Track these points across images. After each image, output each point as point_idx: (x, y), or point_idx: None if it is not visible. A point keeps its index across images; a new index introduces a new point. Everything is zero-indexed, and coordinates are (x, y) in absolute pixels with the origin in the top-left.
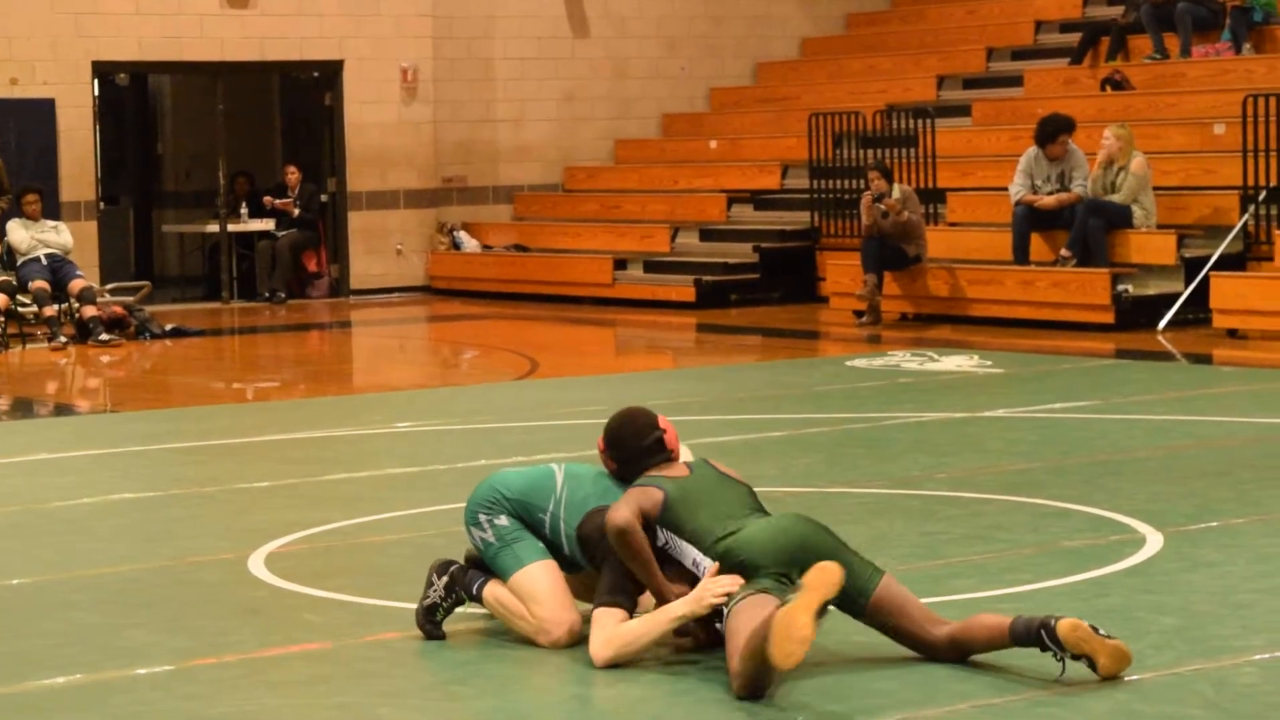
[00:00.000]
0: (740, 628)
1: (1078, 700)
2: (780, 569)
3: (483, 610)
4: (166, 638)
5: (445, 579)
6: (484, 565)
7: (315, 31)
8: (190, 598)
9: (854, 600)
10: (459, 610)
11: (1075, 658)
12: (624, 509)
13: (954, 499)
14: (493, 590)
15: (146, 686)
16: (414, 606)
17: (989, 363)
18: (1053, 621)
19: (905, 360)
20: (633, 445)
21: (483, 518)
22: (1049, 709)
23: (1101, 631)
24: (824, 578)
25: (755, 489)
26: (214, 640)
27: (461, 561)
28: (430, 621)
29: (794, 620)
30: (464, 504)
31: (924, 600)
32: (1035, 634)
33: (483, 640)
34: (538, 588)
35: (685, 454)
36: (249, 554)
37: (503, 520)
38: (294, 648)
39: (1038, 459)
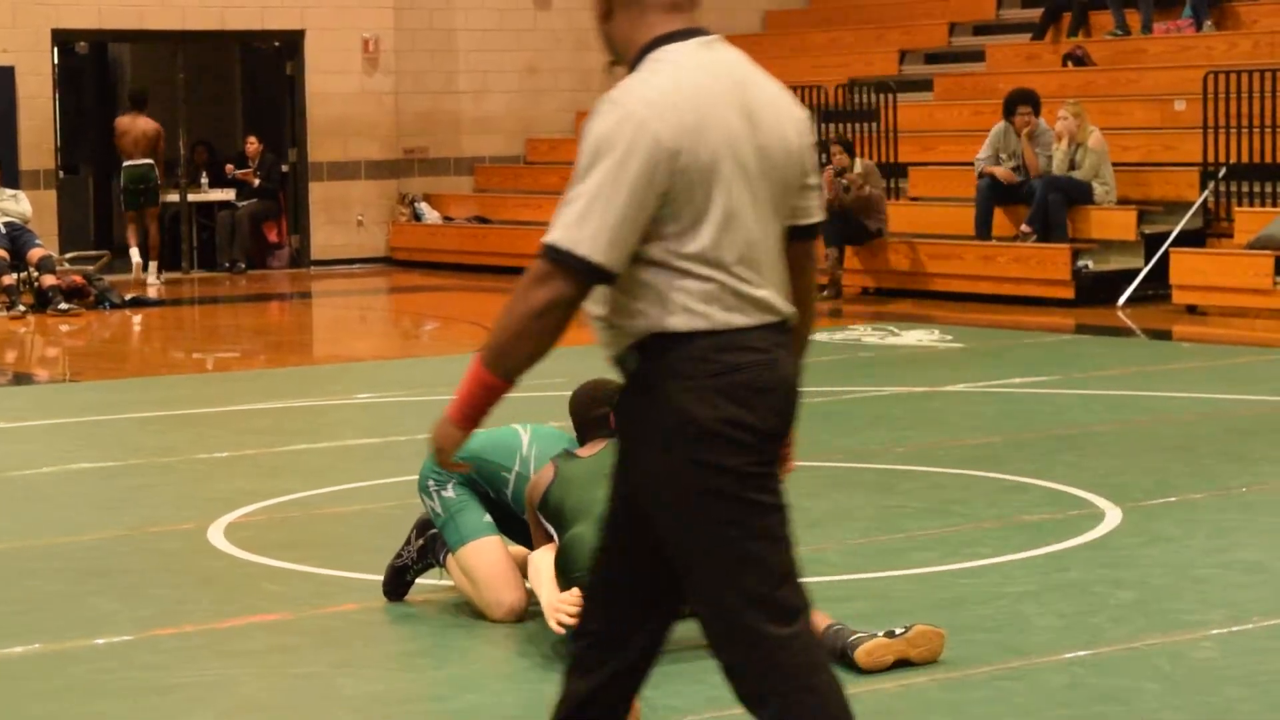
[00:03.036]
0: None
1: (1034, 674)
2: None
3: (449, 581)
4: (126, 607)
5: (421, 542)
6: None
7: (277, 1)
8: (150, 567)
9: None
10: (427, 580)
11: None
12: (530, 480)
13: (913, 473)
14: (452, 564)
15: (106, 656)
16: (374, 578)
17: (949, 337)
18: (850, 651)
19: (866, 334)
20: (578, 415)
21: (432, 486)
22: (1006, 682)
23: (898, 631)
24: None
25: None
26: (173, 610)
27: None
28: (398, 581)
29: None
30: None
31: (882, 574)
32: (838, 653)
33: (443, 611)
34: (478, 567)
35: None
36: (209, 524)
37: (449, 492)
38: (254, 618)
39: (997, 433)
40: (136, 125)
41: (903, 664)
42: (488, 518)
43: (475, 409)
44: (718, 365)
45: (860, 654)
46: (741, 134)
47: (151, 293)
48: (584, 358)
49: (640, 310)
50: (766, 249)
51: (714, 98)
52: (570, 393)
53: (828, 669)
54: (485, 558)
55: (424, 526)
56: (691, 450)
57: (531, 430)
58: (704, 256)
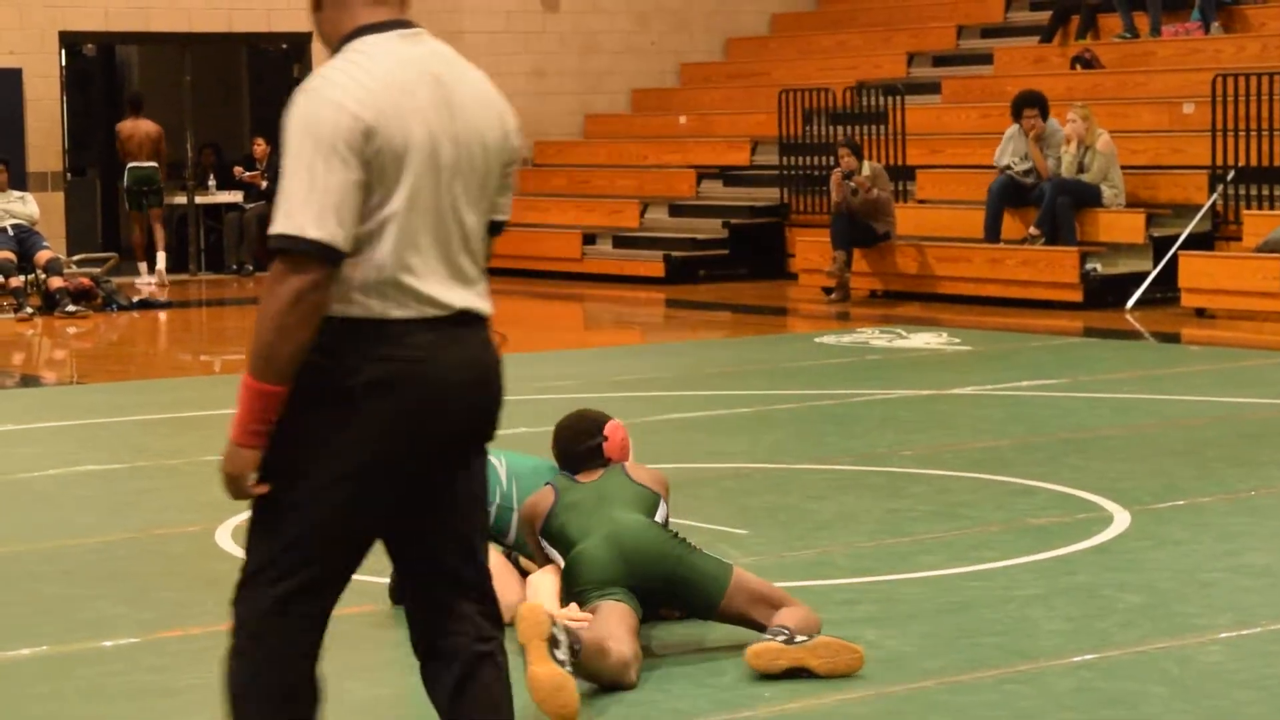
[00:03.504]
0: (601, 635)
1: (1042, 678)
2: (612, 583)
3: None
4: (132, 610)
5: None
6: None
7: (283, 3)
8: (156, 570)
9: (704, 609)
10: None
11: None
12: (527, 503)
13: (921, 476)
14: None
15: (112, 658)
16: (380, 580)
17: (957, 340)
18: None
19: (873, 337)
20: (567, 449)
21: None
22: (1015, 686)
23: (798, 639)
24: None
25: (719, 465)
26: (180, 612)
27: None
28: (398, 598)
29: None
30: None
31: (889, 577)
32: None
33: None
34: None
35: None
36: (215, 526)
37: None
38: None
39: (1005, 436)
40: (139, 128)
41: (804, 674)
42: None
43: (257, 422)
44: (369, 354)
45: (749, 653)
46: (437, 126)
47: (155, 292)
48: (594, 360)
49: None
50: (453, 242)
51: (408, 88)
52: (557, 423)
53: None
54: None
55: None
56: (326, 427)
57: (507, 462)
58: (373, 244)
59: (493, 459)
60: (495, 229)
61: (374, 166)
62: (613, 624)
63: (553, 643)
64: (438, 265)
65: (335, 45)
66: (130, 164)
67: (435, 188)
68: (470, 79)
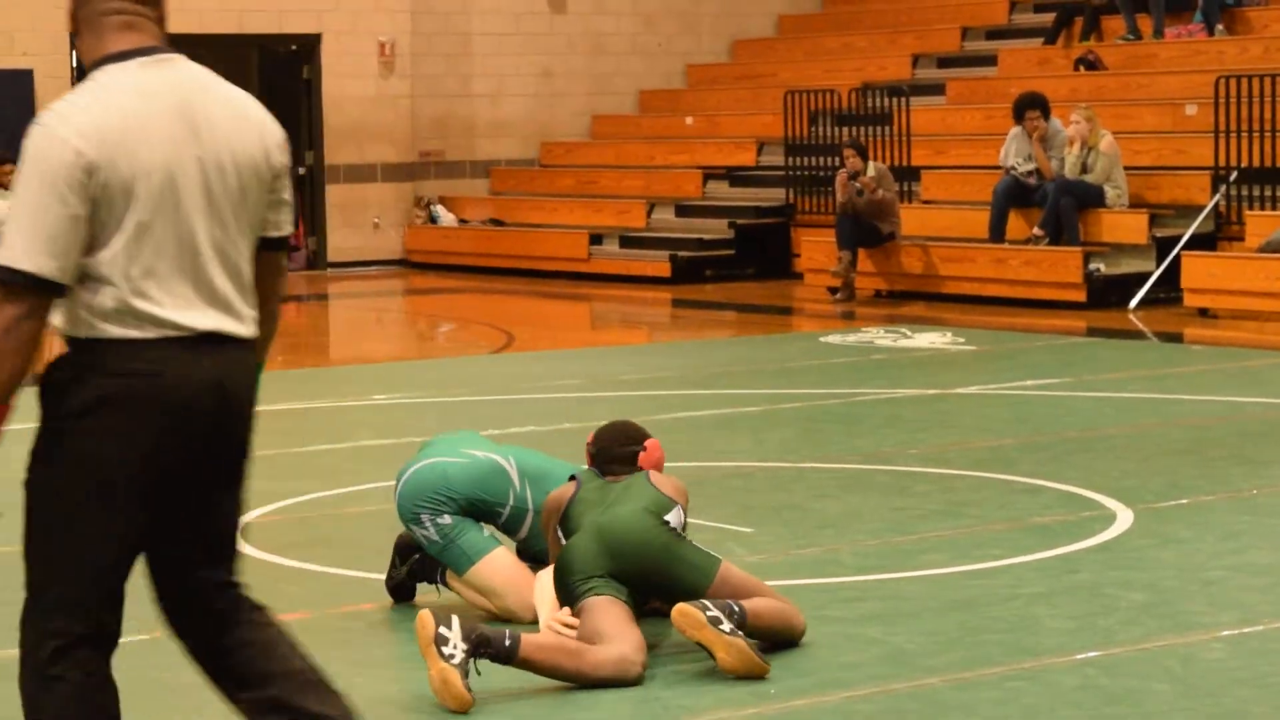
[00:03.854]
0: (591, 635)
1: (1046, 675)
2: (597, 574)
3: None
4: (141, 607)
5: (405, 568)
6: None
7: (294, 5)
8: None
9: (689, 600)
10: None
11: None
12: (550, 496)
13: (926, 475)
14: (453, 580)
15: (122, 654)
16: (378, 578)
17: (961, 340)
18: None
19: (879, 336)
20: (605, 450)
21: (425, 518)
22: (1018, 683)
23: (726, 629)
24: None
25: (725, 464)
26: None
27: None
28: (399, 595)
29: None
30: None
31: (895, 575)
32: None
33: (458, 612)
34: (495, 577)
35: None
36: None
37: (445, 519)
38: None
39: (1009, 435)
40: None
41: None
42: (488, 531)
43: None
44: (106, 371)
45: (676, 609)
46: (177, 152)
47: None
48: (601, 359)
49: (62, 316)
50: (202, 265)
51: (142, 117)
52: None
53: None
54: (501, 567)
55: (405, 552)
56: (61, 444)
57: (516, 462)
58: (106, 271)
59: (501, 460)
60: (273, 245)
61: (100, 200)
62: (599, 621)
63: (439, 640)
64: (181, 289)
65: (87, 72)
66: None
67: (175, 213)
68: (226, 99)
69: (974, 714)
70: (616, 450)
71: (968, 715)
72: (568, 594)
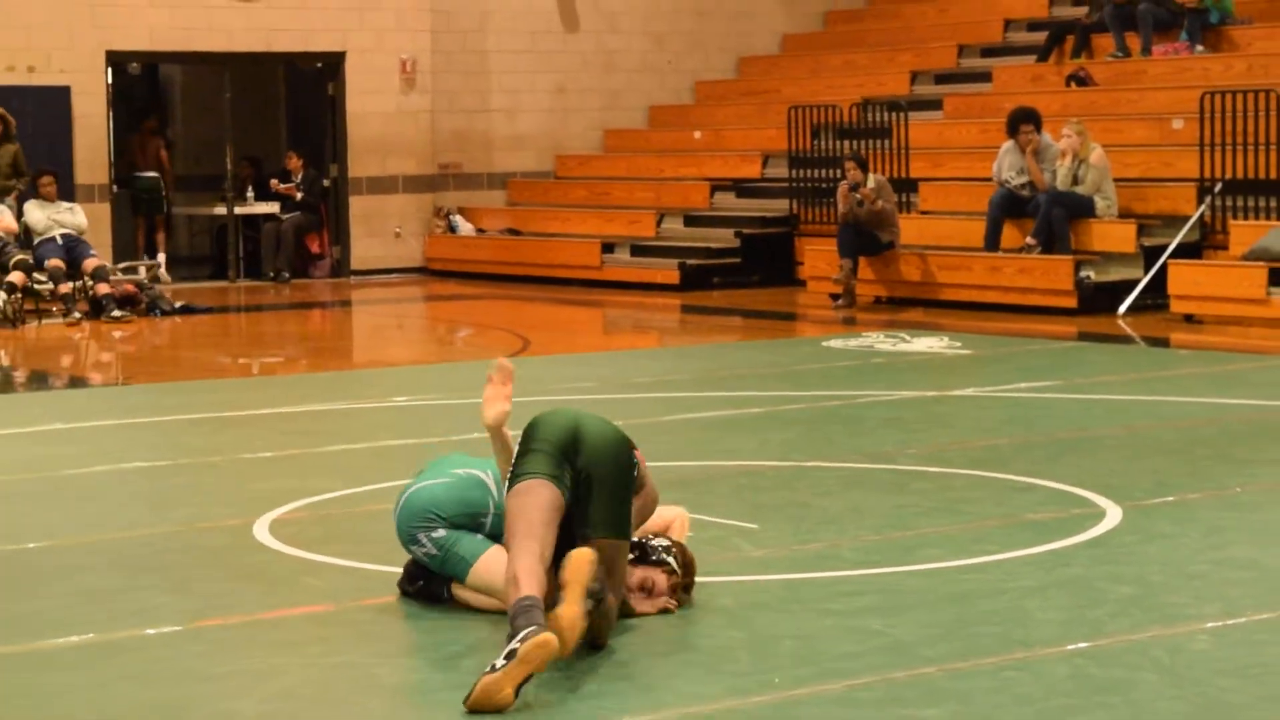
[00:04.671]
0: (511, 525)
1: (1038, 665)
2: (555, 451)
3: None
4: (175, 599)
5: (414, 589)
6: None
7: (319, 24)
8: (197, 562)
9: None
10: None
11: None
12: None
13: (924, 473)
14: (458, 591)
15: (156, 645)
16: (394, 570)
17: (958, 344)
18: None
19: (879, 341)
20: None
21: (421, 536)
22: (1011, 673)
23: (589, 607)
24: (541, 652)
25: (731, 463)
26: (220, 602)
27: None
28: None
29: (497, 689)
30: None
31: (893, 569)
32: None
33: (469, 618)
34: (496, 572)
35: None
36: (254, 520)
37: (440, 532)
38: (296, 610)
39: (1004, 436)
40: (146, 143)
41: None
42: (480, 535)
43: None
44: None
45: (581, 555)
46: None
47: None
48: (613, 362)
49: None
50: None
51: None
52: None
53: None
54: (498, 563)
55: (412, 576)
56: None
57: (493, 473)
58: None
59: (479, 473)
60: None
61: None
62: (515, 517)
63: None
64: None
65: None
66: (135, 174)
67: None
68: None
69: (969, 702)
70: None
71: (964, 703)
72: (520, 451)
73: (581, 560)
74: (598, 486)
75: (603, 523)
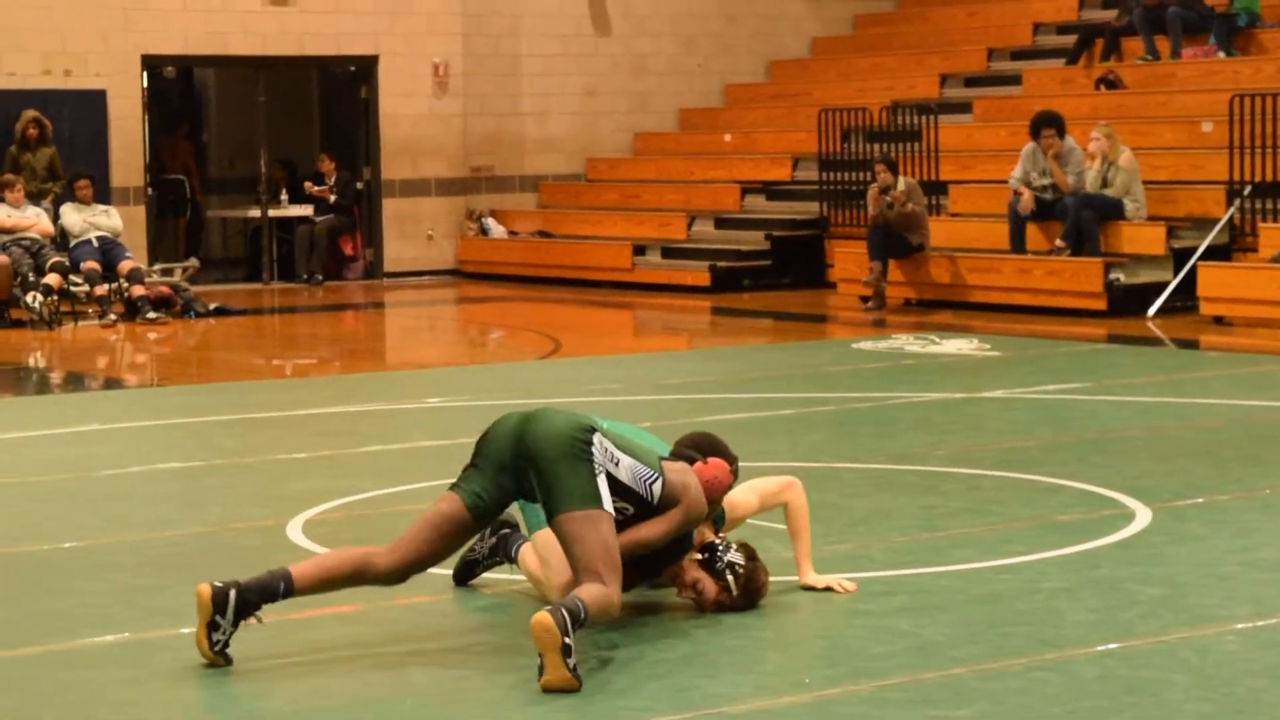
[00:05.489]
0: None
1: (1068, 666)
2: (494, 457)
3: (519, 575)
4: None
5: (494, 539)
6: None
7: (352, 28)
8: (231, 562)
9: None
10: (498, 575)
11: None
12: None
13: (953, 474)
14: (525, 554)
15: (189, 645)
16: (444, 572)
17: (987, 346)
18: (555, 610)
19: (908, 343)
20: (679, 446)
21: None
22: (1041, 673)
23: (570, 660)
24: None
25: (762, 464)
26: None
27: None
28: (468, 573)
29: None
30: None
31: (923, 570)
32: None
33: (510, 604)
34: (555, 550)
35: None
36: (287, 521)
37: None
38: (328, 609)
39: (1033, 437)
40: (174, 146)
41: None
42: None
43: None
44: None
45: (538, 623)
46: None
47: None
48: (644, 364)
49: None
50: None
51: None
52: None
53: None
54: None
55: (498, 525)
56: None
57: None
58: None
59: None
60: None
61: None
62: (418, 522)
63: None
64: None
65: None
66: (163, 177)
67: None
68: None
69: (1000, 703)
70: (679, 449)
71: (994, 704)
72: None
73: (538, 629)
74: (547, 468)
75: (566, 496)
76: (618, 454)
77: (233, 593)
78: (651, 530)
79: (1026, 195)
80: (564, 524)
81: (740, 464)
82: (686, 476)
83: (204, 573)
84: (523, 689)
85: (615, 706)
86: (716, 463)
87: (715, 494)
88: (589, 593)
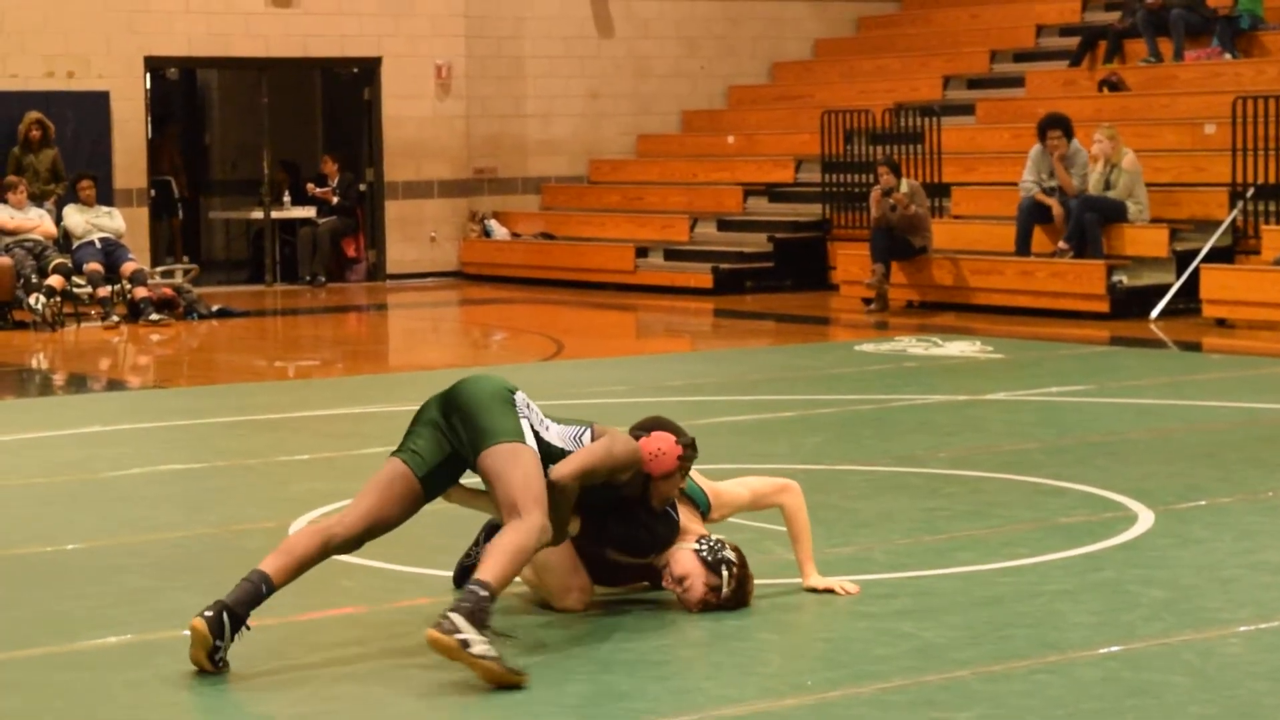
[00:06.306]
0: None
1: (1070, 669)
2: (417, 426)
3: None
4: (211, 600)
5: (488, 543)
6: None
7: (355, 30)
8: (233, 563)
9: (465, 458)
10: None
11: None
12: None
13: (956, 477)
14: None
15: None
16: (444, 573)
17: (990, 348)
18: (441, 618)
19: (911, 345)
20: (635, 428)
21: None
22: (1043, 676)
23: (473, 650)
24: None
25: (763, 466)
26: None
27: None
28: (464, 577)
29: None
30: None
31: (926, 573)
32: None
33: (512, 605)
34: (551, 553)
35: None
36: (289, 522)
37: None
38: (331, 611)
39: (1035, 439)
40: (164, 147)
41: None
42: None
43: None
44: None
45: (430, 639)
46: None
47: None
48: (646, 366)
49: None
50: None
51: None
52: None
53: None
54: (558, 546)
55: (491, 530)
56: None
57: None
58: None
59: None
60: None
61: None
62: (361, 493)
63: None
64: None
65: None
66: (154, 177)
67: None
68: None
69: (1002, 705)
70: (632, 429)
71: (996, 706)
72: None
73: (432, 646)
74: (472, 413)
75: (488, 433)
76: (546, 420)
77: (225, 615)
78: (577, 461)
79: (1057, 209)
80: (486, 460)
81: (742, 465)
82: (618, 432)
83: (206, 574)
84: (523, 689)
85: (618, 708)
86: (660, 435)
87: (661, 467)
88: (493, 561)
